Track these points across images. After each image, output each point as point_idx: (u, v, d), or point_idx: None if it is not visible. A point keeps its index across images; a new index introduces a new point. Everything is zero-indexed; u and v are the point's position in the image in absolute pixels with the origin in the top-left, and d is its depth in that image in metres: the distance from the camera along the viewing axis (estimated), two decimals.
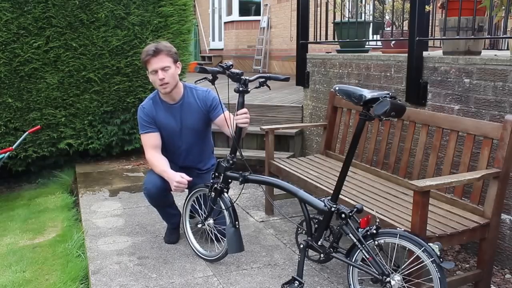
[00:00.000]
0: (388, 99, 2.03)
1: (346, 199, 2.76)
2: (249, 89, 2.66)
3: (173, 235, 3.20)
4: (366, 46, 4.49)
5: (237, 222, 2.69)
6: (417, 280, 2.13)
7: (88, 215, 3.75)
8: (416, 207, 2.17)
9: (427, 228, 2.23)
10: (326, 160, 3.70)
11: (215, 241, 2.90)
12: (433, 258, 1.96)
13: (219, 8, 12.98)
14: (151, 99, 3.03)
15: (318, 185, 3.08)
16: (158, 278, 2.71)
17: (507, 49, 4.10)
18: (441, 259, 1.95)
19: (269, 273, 2.76)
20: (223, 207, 2.72)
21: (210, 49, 13.44)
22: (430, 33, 4.14)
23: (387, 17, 4.58)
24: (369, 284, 2.25)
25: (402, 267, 2.10)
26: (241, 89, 2.62)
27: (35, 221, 3.90)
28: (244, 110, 2.65)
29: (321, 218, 2.38)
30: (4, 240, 3.55)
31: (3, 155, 4.44)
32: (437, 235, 2.25)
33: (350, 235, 2.22)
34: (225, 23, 12.19)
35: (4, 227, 3.87)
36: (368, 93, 2.12)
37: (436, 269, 1.97)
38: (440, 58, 3.08)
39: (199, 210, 2.97)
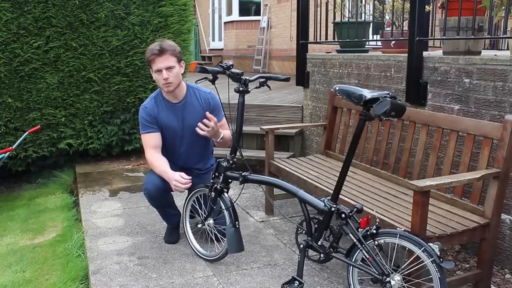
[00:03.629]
0: (388, 99, 2.03)
1: (346, 199, 2.76)
2: (249, 89, 2.66)
3: (173, 235, 3.20)
4: (366, 46, 4.49)
5: (237, 222, 2.69)
6: (417, 280, 2.13)
7: (88, 215, 3.75)
8: (416, 207, 2.17)
9: (427, 228, 2.24)
10: (326, 160, 3.70)
11: (215, 241, 2.90)
12: (433, 258, 1.96)
13: (219, 8, 12.98)
14: (153, 98, 3.03)
15: (318, 185, 3.08)
16: (158, 278, 2.71)
17: (507, 49, 4.10)
18: (441, 259, 1.95)
19: (269, 273, 2.76)
20: (223, 207, 2.72)
21: (210, 49, 13.45)
22: (430, 33, 4.14)
23: (387, 17, 4.58)
24: (369, 284, 2.25)
25: (402, 267, 2.10)
26: (241, 89, 2.63)
27: (35, 221, 3.90)
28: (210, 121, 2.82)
29: (321, 218, 2.38)
30: (4, 240, 3.55)
31: (3, 155, 4.44)
32: (437, 235, 2.25)
33: (350, 235, 2.22)
34: (225, 23, 12.20)
35: (4, 227, 3.87)
36: (368, 93, 2.12)
37: (436, 269, 1.97)
38: (440, 58, 3.08)
39: (199, 210, 2.97)
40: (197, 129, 2.84)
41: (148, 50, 2.87)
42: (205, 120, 2.82)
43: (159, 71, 2.84)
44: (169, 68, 2.84)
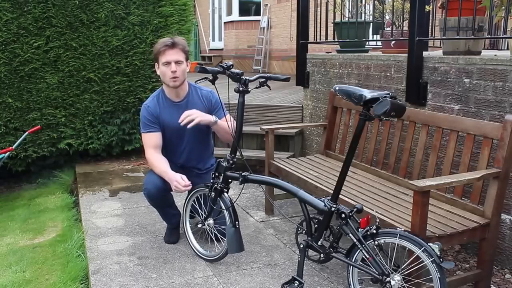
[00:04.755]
0: (388, 99, 2.03)
1: (346, 199, 2.76)
2: (249, 89, 2.66)
3: (173, 235, 3.20)
4: (366, 46, 4.49)
5: (237, 222, 2.69)
6: (417, 280, 2.13)
7: (88, 215, 3.75)
8: (416, 207, 2.17)
9: (427, 228, 2.24)
10: (326, 160, 3.70)
11: (215, 241, 2.90)
12: (433, 258, 1.96)
13: (219, 8, 12.99)
14: (155, 97, 3.04)
15: (318, 185, 3.08)
16: (158, 278, 2.71)
17: (507, 49, 4.10)
18: (441, 259, 1.95)
19: (269, 273, 2.76)
20: (223, 207, 2.72)
21: (210, 49, 13.45)
22: (430, 33, 4.14)
23: (387, 17, 4.58)
24: (369, 284, 2.25)
25: (402, 267, 2.10)
26: (241, 89, 2.63)
27: (35, 221, 3.90)
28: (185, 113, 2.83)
29: (321, 218, 2.38)
30: (4, 240, 3.55)
31: (3, 155, 4.44)
32: (437, 235, 2.25)
33: (350, 235, 2.22)
34: (225, 23, 12.20)
35: (4, 227, 3.87)
36: (368, 93, 2.12)
37: (436, 269, 1.97)
38: (440, 58, 3.08)
39: (199, 210, 2.97)
40: (189, 126, 2.83)
41: (159, 43, 2.89)
42: (180, 120, 2.82)
43: (168, 63, 2.86)
44: (178, 62, 2.87)
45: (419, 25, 3.16)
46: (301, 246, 2.43)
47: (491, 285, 2.60)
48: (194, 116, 2.83)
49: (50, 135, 4.97)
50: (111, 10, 4.93)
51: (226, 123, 2.95)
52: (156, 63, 2.95)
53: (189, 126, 2.82)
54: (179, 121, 2.83)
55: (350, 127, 3.75)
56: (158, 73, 2.96)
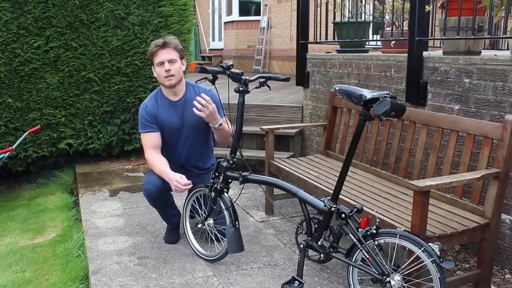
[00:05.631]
0: (388, 99, 2.03)
1: (346, 199, 2.76)
2: (249, 89, 2.66)
3: (173, 235, 3.20)
4: (366, 46, 4.49)
5: (237, 222, 2.69)
6: (417, 280, 2.13)
7: (88, 215, 3.75)
8: (416, 207, 2.17)
9: (427, 228, 2.24)
10: (326, 160, 3.70)
11: (215, 241, 2.90)
12: (433, 258, 1.96)
13: (219, 8, 12.98)
14: (153, 97, 3.04)
15: (318, 185, 3.08)
16: (158, 278, 2.71)
17: (507, 49, 4.10)
18: (441, 259, 1.95)
19: (269, 273, 2.76)
20: (223, 207, 2.73)
21: (210, 49, 13.45)
22: (430, 33, 4.14)
23: (387, 17, 4.58)
24: (369, 284, 2.25)
25: (402, 267, 2.10)
26: (241, 89, 2.63)
27: (35, 221, 3.90)
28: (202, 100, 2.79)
29: (321, 218, 2.38)
30: (4, 240, 3.55)
31: (3, 155, 4.44)
32: (437, 235, 2.25)
33: (350, 235, 2.22)
34: (225, 23, 12.20)
35: (4, 227, 3.87)
36: (368, 93, 2.12)
37: (436, 269, 1.97)
38: (440, 58, 3.08)
39: (199, 210, 2.97)
40: (194, 109, 2.82)
41: (151, 44, 2.92)
42: (198, 98, 2.81)
43: (161, 63, 2.87)
44: (171, 61, 2.87)
45: (419, 25, 3.16)
46: (301, 246, 2.43)
47: (491, 285, 2.60)
48: (206, 110, 2.81)
49: (50, 135, 4.96)
50: (111, 10, 4.93)
51: (227, 127, 2.95)
52: (152, 66, 2.96)
53: (194, 109, 2.82)
54: (196, 98, 2.82)
55: (350, 127, 3.75)
56: (155, 75, 2.97)
